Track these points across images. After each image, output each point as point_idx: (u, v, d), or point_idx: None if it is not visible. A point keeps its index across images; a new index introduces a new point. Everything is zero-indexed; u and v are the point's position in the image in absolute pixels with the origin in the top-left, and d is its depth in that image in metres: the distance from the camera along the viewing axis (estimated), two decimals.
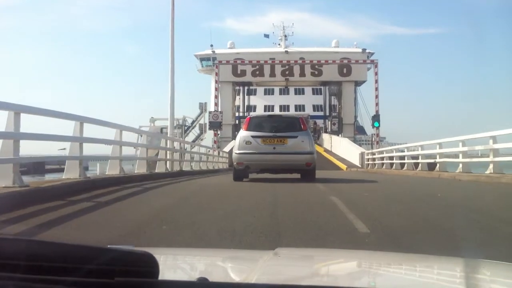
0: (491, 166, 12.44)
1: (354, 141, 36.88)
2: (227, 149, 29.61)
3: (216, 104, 38.49)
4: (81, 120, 8.51)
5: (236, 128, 34.34)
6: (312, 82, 44.36)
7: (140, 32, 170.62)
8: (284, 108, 51.80)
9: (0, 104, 6.18)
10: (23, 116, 6.55)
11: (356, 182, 12.09)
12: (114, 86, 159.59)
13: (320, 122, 46.57)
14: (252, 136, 11.35)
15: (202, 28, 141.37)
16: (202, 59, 53.85)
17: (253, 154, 11.22)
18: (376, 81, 37.21)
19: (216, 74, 39.19)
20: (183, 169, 17.28)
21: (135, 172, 12.56)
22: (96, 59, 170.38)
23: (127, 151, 13.90)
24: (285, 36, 55.65)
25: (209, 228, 4.29)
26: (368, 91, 44.25)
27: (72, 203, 5.90)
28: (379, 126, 35.05)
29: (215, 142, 36.05)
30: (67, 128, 8.51)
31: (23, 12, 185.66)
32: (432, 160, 17.05)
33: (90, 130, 9.42)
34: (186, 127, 51.84)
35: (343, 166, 26.94)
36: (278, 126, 11.50)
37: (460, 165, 14.32)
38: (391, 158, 21.99)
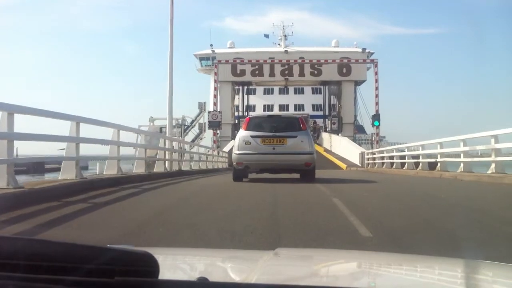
0: (493, 165, 12.34)
1: (354, 140, 36.86)
2: (226, 148, 29.60)
3: (215, 104, 38.43)
4: (77, 120, 8.39)
5: (235, 128, 34.26)
6: (312, 82, 44.17)
7: (139, 32, 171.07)
8: (284, 107, 51.78)
9: None
10: (23, 116, 6.53)
11: (356, 182, 12.07)
12: (114, 86, 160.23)
13: (319, 121, 46.42)
14: (252, 136, 11.34)
15: (201, 28, 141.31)
16: (202, 58, 53.84)
17: (253, 154, 11.20)
18: (376, 81, 37.16)
19: (216, 73, 39.07)
20: (182, 168, 17.25)
21: (134, 172, 12.47)
22: (96, 59, 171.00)
23: (127, 151, 13.82)
24: (285, 35, 55.73)
25: (209, 228, 4.28)
26: (368, 90, 44.38)
27: (66, 205, 5.83)
28: (379, 125, 35.09)
29: (214, 141, 36.04)
30: (67, 128, 8.46)
31: (23, 12, 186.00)
32: (433, 160, 17.01)
33: (89, 130, 9.41)
34: (185, 127, 51.94)
35: (343, 166, 26.93)
36: (278, 126, 11.49)
37: (462, 165, 14.26)
38: (391, 157, 21.97)
